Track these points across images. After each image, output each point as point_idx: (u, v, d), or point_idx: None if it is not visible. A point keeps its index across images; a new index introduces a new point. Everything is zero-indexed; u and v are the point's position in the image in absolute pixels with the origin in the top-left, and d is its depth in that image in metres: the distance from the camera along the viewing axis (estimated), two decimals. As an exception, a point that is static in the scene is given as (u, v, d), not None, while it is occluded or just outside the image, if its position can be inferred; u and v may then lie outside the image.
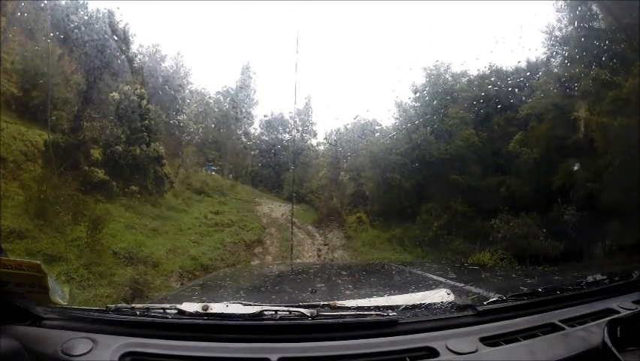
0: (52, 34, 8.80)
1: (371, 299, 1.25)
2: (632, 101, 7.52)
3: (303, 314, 0.97)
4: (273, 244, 9.92)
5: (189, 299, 1.25)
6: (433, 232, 10.40)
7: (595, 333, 0.91)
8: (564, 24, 10.13)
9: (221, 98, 17.76)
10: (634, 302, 1.10)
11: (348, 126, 15.35)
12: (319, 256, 9.60)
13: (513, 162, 10.49)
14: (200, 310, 0.99)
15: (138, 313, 1.02)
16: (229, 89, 17.75)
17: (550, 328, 0.98)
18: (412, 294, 1.24)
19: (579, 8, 9.58)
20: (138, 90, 10.11)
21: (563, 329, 0.97)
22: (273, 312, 0.98)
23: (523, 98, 11.00)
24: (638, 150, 7.06)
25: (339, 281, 2.10)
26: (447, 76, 12.89)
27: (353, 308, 1.07)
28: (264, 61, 30.57)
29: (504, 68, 12.20)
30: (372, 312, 1.03)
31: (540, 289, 1.19)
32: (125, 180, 9.32)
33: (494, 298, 1.12)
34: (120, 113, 9.61)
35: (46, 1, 9.26)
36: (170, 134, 12.73)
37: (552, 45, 10.68)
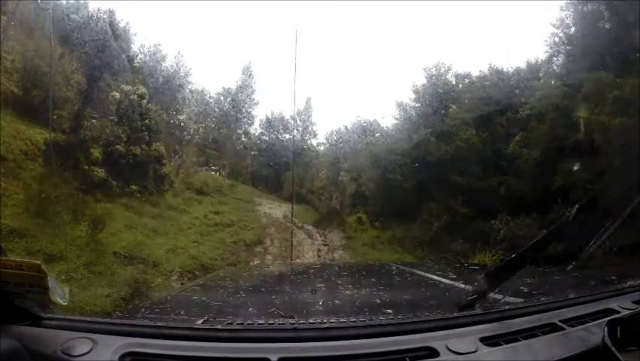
0: (52, 34, 8.81)
1: (371, 299, 1.25)
2: (633, 101, 7.52)
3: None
4: (273, 244, 9.92)
5: (189, 299, 1.25)
6: (433, 233, 10.39)
7: (595, 333, 0.91)
8: (566, 24, 10.14)
9: (222, 98, 17.76)
10: (634, 302, 1.10)
11: (348, 126, 15.39)
12: (319, 257, 9.60)
13: (513, 162, 10.49)
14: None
15: (138, 313, 1.02)
16: (229, 89, 17.75)
17: (550, 328, 0.98)
18: (412, 294, 1.24)
19: (580, 8, 9.58)
20: (139, 90, 10.11)
21: (563, 329, 0.97)
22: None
23: (523, 99, 11.01)
24: (639, 150, 7.05)
25: (339, 281, 2.10)
26: (448, 77, 12.92)
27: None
28: (265, 61, 30.46)
29: (505, 69, 12.24)
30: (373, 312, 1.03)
31: (540, 290, 1.19)
32: (125, 179, 9.31)
33: (494, 298, 1.12)
34: (120, 112, 9.61)
35: (46, 1, 9.27)
36: (171, 133, 12.74)
37: (554, 45, 10.69)
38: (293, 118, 18.68)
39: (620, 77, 8.34)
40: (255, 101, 18.06)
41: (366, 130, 15.25)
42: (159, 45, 13.53)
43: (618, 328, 0.87)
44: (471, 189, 10.64)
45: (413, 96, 13.03)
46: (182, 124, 13.70)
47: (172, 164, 11.99)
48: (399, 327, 0.96)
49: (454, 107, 12.08)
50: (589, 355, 0.87)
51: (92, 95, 9.35)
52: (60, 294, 1.01)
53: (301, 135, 18.49)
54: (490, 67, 12.29)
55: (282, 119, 19.43)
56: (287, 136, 19.26)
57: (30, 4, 9.01)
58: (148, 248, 7.18)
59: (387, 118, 18.71)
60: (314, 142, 18.32)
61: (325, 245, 10.53)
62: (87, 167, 8.47)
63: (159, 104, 11.74)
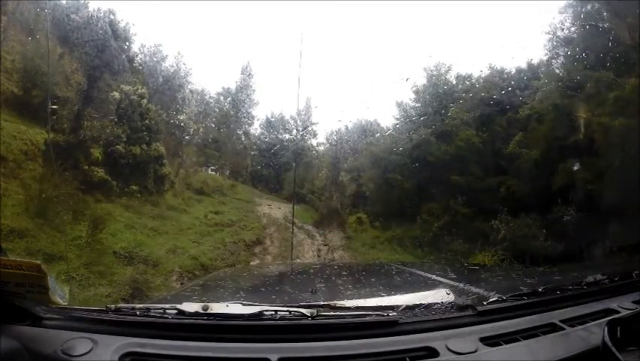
0: (52, 34, 8.81)
1: (371, 299, 1.25)
2: (634, 101, 7.51)
3: (302, 314, 0.96)
4: (273, 244, 9.91)
5: (189, 299, 1.25)
6: (433, 233, 10.39)
7: (595, 333, 0.91)
8: (567, 25, 10.15)
9: (222, 98, 17.77)
10: (634, 302, 1.10)
11: (348, 126, 15.39)
12: (319, 257, 9.60)
13: (513, 162, 10.49)
14: (200, 311, 0.98)
15: (138, 313, 1.02)
16: (229, 89, 17.76)
17: (551, 328, 0.98)
18: (412, 294, 1.24)
19: (582, 8, 9.59)
20: (139, 90, 10.11)
21: (563, 329, 0.97)
22: (273, 312, 0.98)
23: (521, 98, 11.01)
24: (638, 150, 7.05)
25: (339, 281, 2.10)
26: (448, 77, 12.92)
27: (353, 308, 1.07)
28: (265, 61, 30.57)
29: (506, 69, 12.26)
30: (372, 312, 1.03)
31: (540, 289, 1.19)
32: (125, 179, 9.31)
33: (494, 298, 1.11)
34: (120, 112, 9.61)
35: (46, 1, 9.26)
36: (171, 133, 12.73)
37: (554, 46, 10.69)
38: (293, 118, 18.72)
39: (620, 77, 8.34)
40: (255, 101, 18.10)
41: (366, 130, 15.25)
42: (159, 45, 13.52)
43: (618, 328, 0.87)
44: (471, 189, 10.64)
45: (413, 96, 13.05)
46: (182, 124, 13.68)
47: (172, 164, 11.98)
48: (399, 327, 0.96)
49: (454, 107, 12.07)
50: (589, 355, 0.87)
51: (92, 95, 9.33)
52: (60, 294, 1.01)
53: (301, 135, 18.51)
54: (490, 67, 12.32)
55: (282, 119, 19.47)
56: (287, 136, 19.30)
57: (30, 4, 9.01)
58: (148, 248, 7.17)
59: (388, 118, 18.76)
60: (314, 142, 18.35)
61: (325, 245, 10.53)
62: (87, 167, 8.46)
63: (159, 104, 11.73)
